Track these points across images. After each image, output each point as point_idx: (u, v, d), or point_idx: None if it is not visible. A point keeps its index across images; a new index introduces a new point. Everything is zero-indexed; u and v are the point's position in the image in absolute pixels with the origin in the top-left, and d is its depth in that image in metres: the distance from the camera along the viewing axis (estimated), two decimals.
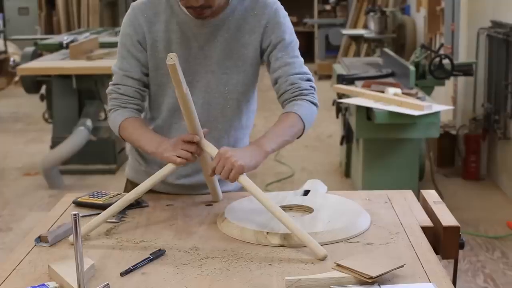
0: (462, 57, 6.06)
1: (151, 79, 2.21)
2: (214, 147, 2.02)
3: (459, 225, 1.92)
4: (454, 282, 1.95)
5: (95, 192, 2.21)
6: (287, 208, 2.06)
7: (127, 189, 2.31)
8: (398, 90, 4.51)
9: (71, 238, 1.85)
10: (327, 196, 2.18)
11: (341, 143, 5.81)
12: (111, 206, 1.95)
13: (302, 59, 2.22)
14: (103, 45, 6.99)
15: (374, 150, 4.65)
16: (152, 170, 2.16)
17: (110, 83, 2.23)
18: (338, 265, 1.63)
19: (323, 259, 1.73)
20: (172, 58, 1.82)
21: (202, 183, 2.21)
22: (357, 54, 9.76)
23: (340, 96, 5.01)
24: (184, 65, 2.03)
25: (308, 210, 2.04)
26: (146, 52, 2.17)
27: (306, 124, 2.12)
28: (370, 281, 1.56)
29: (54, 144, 6.06)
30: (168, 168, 1.99)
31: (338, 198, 2.14)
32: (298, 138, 2.14)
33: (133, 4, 2.21)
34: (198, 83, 2.18)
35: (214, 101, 2.19)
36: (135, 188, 1.98)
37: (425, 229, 1.93)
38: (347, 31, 10.01)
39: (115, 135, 2.23)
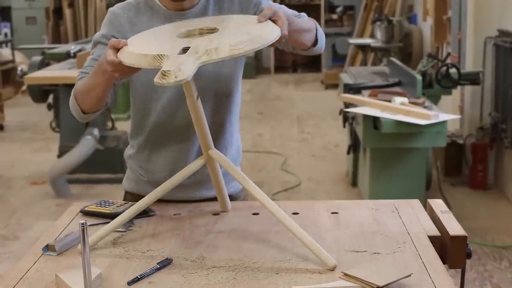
0: (469, 66, 6.06)
1: (138, 82, 2.16)
2: (224, 156, 2.03)
3: (466, 235, 1.91)
4: None
5: (102, 201, 2.21)
6: (195, 33, 1.92)
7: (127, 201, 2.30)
8: (405, 99, 4.52)
9: (79, 247, 1.85)
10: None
11: (348, 152, 5.81)
12: (120, 215, 1.95)
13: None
14: None
15: (381, 159, 4.65)
16: (154, 180, 2.19)
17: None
18: (345, 274, 1.63)
19: (332, 269, 1.72)
20: None
21: (207, 179, 2.17)
22: (363, 63, 9.78)
23: (347, 105, 5.01)
24: None
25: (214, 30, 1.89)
26: None
27: (319, 34, 2.10)
28: None
29: (61, 153, 6.07)
30: (177, 177, 1.99)
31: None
32: (309, 43, 2.07)
33: (111, 8, 2.19)
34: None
35: (215, 86, 2.16)
36: (143, 198, 1.98)
37: (432, 239, 1.93)
38: (354, 40, 10.02)
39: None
